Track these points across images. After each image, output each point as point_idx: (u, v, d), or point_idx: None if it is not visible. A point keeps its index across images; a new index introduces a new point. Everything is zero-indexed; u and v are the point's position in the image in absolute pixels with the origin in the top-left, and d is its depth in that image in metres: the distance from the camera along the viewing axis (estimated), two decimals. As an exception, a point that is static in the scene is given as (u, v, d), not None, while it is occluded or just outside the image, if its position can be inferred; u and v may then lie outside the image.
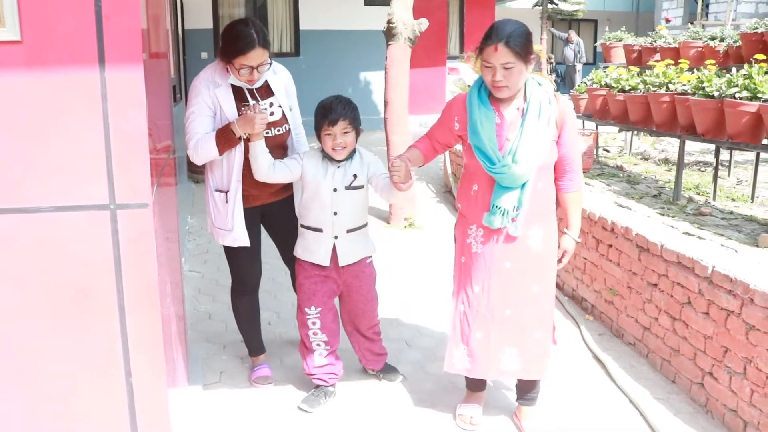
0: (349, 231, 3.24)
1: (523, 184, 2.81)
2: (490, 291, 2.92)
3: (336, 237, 3.22)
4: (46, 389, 2.18)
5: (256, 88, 3.20)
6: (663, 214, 4.30)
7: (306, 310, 3.29)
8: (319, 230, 3.22)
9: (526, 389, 3.13)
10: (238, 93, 3.15)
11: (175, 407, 2.51)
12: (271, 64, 3.15)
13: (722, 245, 3.57)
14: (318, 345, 3.30)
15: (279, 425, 3.18)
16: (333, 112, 3.07)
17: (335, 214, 3.18)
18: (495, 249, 2.90)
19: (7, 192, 2.03)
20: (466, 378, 3.21)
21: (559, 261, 3.01)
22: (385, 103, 6.46)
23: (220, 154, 3.10)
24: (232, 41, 3.02)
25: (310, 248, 3.26)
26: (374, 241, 3.42)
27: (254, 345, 3.63)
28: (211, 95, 3.11)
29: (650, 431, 3.16)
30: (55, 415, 2.20)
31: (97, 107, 2.03)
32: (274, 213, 3.41)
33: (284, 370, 3.66)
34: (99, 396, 2.20)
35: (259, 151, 3.11)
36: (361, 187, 3.21)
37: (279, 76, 3.34)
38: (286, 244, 3.47)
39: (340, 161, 3.16)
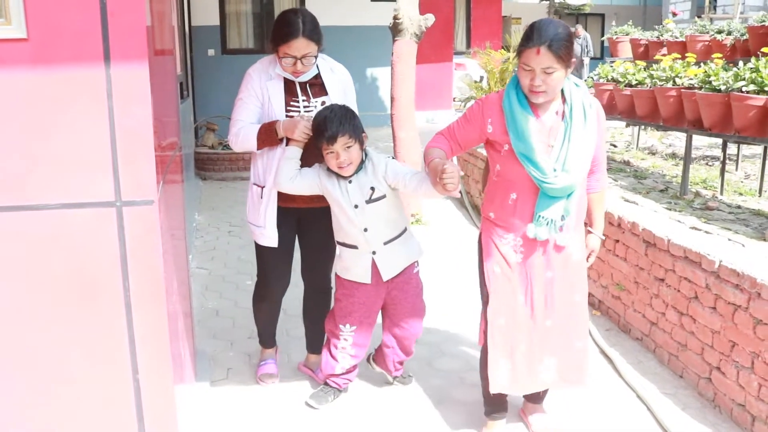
0: (386, 243, 3.05)
1: (570, 193, 2.69)
2: (533, 301, 2.78)
3: (374, 252, 3.04)
4: (53, 385, 2.19)
5: (310, 86, 3.12)
6: (670, 209, 4.29)
7: (340, 326, 3.17)
8: (354, 247, 3.06)
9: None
10: (290, 87, 3.09)
11: (182, 403, 2.52)
12: (317, 57, 3.06)
13: (729, 240, 3.56)
14: (343, 358, 3.21)
15: (286, 422, 3.19)
16: (329, 129, 2.86)
17: (365, 230, 2.99)
18: (536, 259, 2.76)
19: (14, 189, 2.04)
20: (487, 405, 3.03)
21: (587, 260, 2.93)
22: (392, 99, 6.45)
23: (258, 149, 3.04)
24: (279, 28, 2.97)
25: (348, 266, 3.10)
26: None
27: (266, 337, 3.55)
28: (262, 86, 3.06)
29: (658, 426, 3.16)
30: (62, 410, 2.21)
31: (102, 104, 2.03)
32: (310, 221, 3.25)
33: (292, 367, 3.67)
34: (106, 392, 2.21)
35: (291, 156, 2.99)
36: (384, 196, 2.99)
37: (337, 75, 3.22)
38: (312, 258, 3.36)
39: (351, 176, 2.97)
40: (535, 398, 3.10)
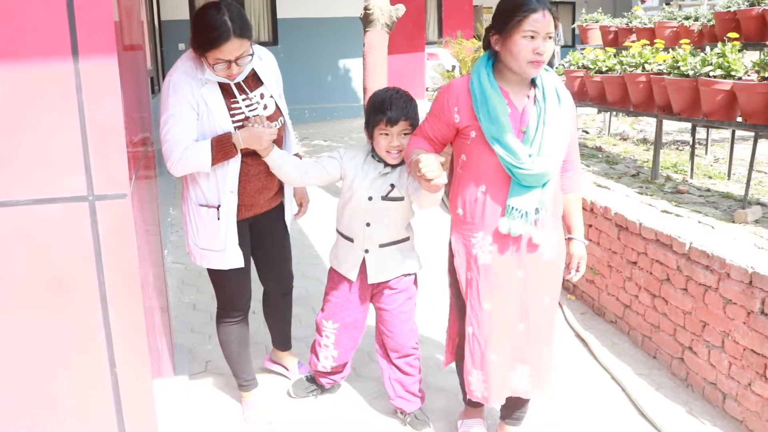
0: (382, 246, 2.86)
1: (545, 182, 2.49)
2: (503, 305, 2.59)
3: (366, 251, 2.86)
4: (30, 382, 2.18)
5: (243, 79, 2.78)
6: (642, 193, 4.35)
7: (324, 321, 3.07)
8: (350, 239, 2.89)
9: (515, 408, 2.83)
10: (225, 88, 2.74)
11: (161, 397, 2.52)
12: (252, 54, 2.70)
13: (699, 222, 3.62)
14: (325, 357, 3.11)
15: (266, 414, 3.19)
16: (393, 109, 2.67)
17: (368, 225, 2.81)
18: (507, 258, 2.56)
19: (-16, 186, 2.03)
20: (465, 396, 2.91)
21: (577, 270, 2.73)
22: (364, 90, 6.47)
23: (212, 166, 2.69)
24: (203, 31, 2.57)
25: (340, 257, 2.96)
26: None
27: (246, 378, 3.16)
28: (195, 95, 2.66)
29: (632, 406, 3.22)
30: (41, 407, 2.20)
31: (72, 99, 2.02)
32: (263, 225, 3.02)
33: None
34: (83, 388, 2.20)
35: (279, 160, 2.77)
36: (401, 199, 2.80)
37: (266, 62, 2.90)
38: (270, 263, 3.15)
39: (385, 168, 2.78)
40: (515, 420, 2.88)
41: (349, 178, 2.82)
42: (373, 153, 2.80)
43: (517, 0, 2.38)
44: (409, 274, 2.97)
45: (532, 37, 2.35)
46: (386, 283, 2.94)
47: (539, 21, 2.34)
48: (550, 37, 2.37)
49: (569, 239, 2.72)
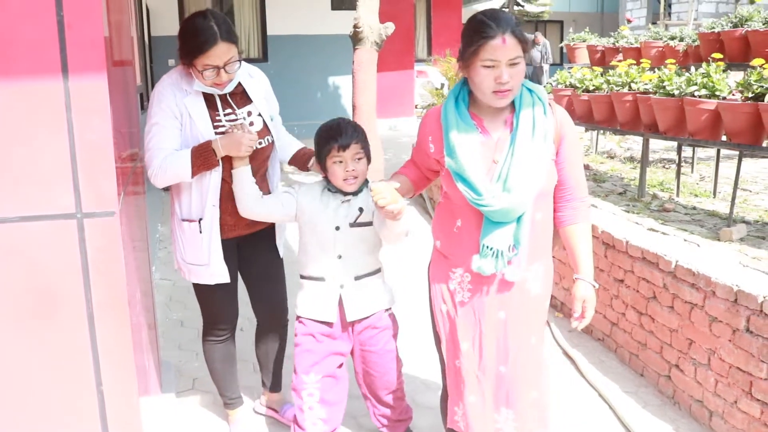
0: (358, 278, 2.69)
1: (519, 217, 2.27)
2: (482, 347, 2.39)
3: (342, 286, 2.67)
4: (15, 399, 2.16)
5: (231, 95, 2.75)
6: (628, 211, 4.39)
7: (303, 377, 2.71)
8: (321, 279, 2.69)
9: None
10: (210, 101, 2.72)
11: (147, 415, 2.50)
12: (241, 62, 2.69)
13: (685, 240, 3.65)
14: (314, 424, 2.69)
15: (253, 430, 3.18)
16: (343, 135, 2.58)
17: (339, 257, 2.65)
18: (486, 298, 2.36)
19: (-28, 203, 2.02)
20: None
21: (582, 316, 2.42)
22: (353, 107, 6.49)
23: (192, 176, 2.65)
24: (190, 38, 2.60)
25: (311, 302, 2.72)
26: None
27: (231, 396, 3.14)
28: (179, 104, 2.66)
29: (620, 424, 3.22)
30: (25, 424, 2.19)
31: (61, 117, 2.02)
32: (251, 247, 2.95)
33: (257, 377, 3.65)
34: (70, 405, 2.19)
35: (245, 178, 2.67)
36: (370, 223, 2.64)
37: (256, 81, 2.88)
38: (261, 286, 3.04)
39: (346, 196, 2.65)
40: None
41: (307, 213, 2.68)
42: (329, 186, 2.69)
43: (475, 25, 2.20)
44: (388, 309, 2.84)
45: (493, 66, 2.17)
46: (367, 322, 2.77)
47: (498, 48, 2.14)
48: (514, 65, 2.17)
49: (575, 279, 2.42)
